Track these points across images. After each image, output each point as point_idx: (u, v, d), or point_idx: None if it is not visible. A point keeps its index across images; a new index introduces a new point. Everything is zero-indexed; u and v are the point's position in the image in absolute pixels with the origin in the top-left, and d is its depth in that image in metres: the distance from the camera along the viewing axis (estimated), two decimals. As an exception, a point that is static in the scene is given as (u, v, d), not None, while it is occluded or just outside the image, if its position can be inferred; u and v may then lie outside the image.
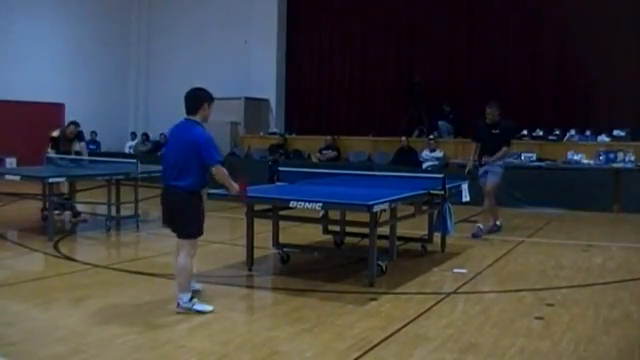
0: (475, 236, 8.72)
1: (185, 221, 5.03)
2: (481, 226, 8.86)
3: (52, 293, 5.66)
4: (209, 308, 5.02)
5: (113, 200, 9.30)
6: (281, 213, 6.75)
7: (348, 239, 7.85)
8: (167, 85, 18.22)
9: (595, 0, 14.21)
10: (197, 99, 5.11)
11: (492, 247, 8.20)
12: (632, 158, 12.33)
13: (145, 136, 18.90)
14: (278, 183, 7.67)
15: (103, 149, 17.49)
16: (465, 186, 7.85)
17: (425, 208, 7.21)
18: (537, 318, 5.03)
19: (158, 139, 17.59)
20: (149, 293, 5.58)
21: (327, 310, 5.18)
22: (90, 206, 10.68)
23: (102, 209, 9.63)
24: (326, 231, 7.91)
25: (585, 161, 12.71)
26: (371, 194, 6.12)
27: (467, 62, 15.95)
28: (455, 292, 5.89)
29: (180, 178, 4.97)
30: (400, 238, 7.09)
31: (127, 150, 18.55)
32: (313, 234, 8.16)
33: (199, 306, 5.00)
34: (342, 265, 6.95)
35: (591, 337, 4.57)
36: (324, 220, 7.46)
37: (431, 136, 14.39)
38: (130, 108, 20.62)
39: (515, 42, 15.42)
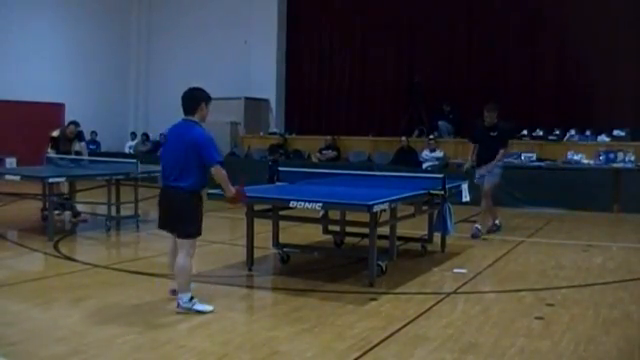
0: (474, 236, 8.72)
1: (185, 221, 5.02)
2: (479, 227, 8.86)
3: (52, 293, 5.66)
4: (209, 308, 5.02)
5: (113, 200, 9.30)
6: (281, 213, 6.75)
7: (348, 239, 7.85)
8: (167, 85, 18.20)
9: (595, 0, 14.22)
10: (194, 99, 5.10)
11: (492, 247, 8.19)
12: (632, 158, 12.33)
13: (145, 136, 18.90)
14: (278, 183, 7.67)
15: (103, 149, 17.49)
16: (465, 186, 7.86)
17: (425, 208, 7.21)
18: (537, 318, 5.03)
19: (158, 139, 17.59)
20: (149, 293, 5.57)
21: (327, 310, 5.18)
22: (90, 206, 10.68)
23: (102, 209, 9.63)
24: (326, 231, 7.91)
25: (585, 161, 12.71)
26: (371, 194, 6.12)
27: (467, 62, 15.95)
28: (455, 292, 5.89)
29: (180, 179, 4.97)
30: (400, 238, 7.09)
31: (127, 150, 18.55)
32: (313, 234, 8.16)
33: (199, 306, 5.00)
34: (342, 265, 6.95)
35: (591, 337, 4.57)
36: (324, 220, 7.46)
37: (431, 136, 14.39)
38: (130, 108, 20.62)
39: (515, 42, 15.42)
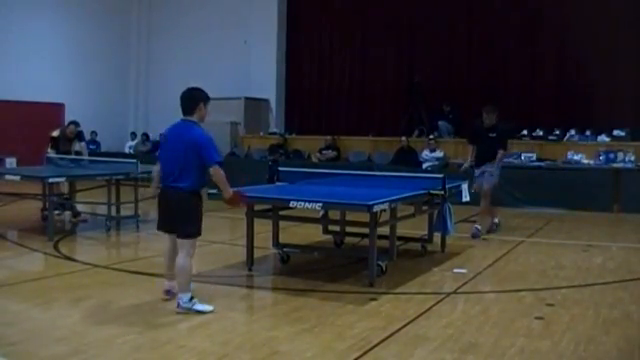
0: (474, 236, 8.72)
1: (185, 221, 5.02)
2: (478, 227, 8.86)
3: (52, 293, 5.66)
4: (209, 308, 5.02)
5: (113, 200, 9.30)
6: (281, 213, 6.75)
7: (348, 239, 7.85)
8: (167, 85, 18.20)
9: (595, 0, 14.22)
10: (193, 99, 5.09)
11: (492, 247, 8.19)
12: (632, 158, 12.33)
13: (145, 136, 18.90)
14: (278, 183, 7.67)
15: (103, 149, 17.49)
16: (465, 186, 7.86)
17: (425, 208, 7.21)
18: (537, 318, 5.03)
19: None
20: (149, 293, 5.57)
21: (327, 310, 5.18)
22: (90, 206, 10.68)
23: (102, 209, 9.62)
24: (326, 231, 7.91)
25: (585, 161, 12.72)
26: (371, 194, 6.12)
27: (467, 62, 15.96)
28: (455, 292, 5.89)
29: (180, 179, 4.97)
30: (400, 238, 7.09)
31: (127, 150, 18.55)
32: (313, 234, 8.16)
33: (199, 306, 5.00)
34: (342, 265, 6.95)
35: (591, 337, 4.57)
36: (324, 220, 7.46)
37: (431, 136, 14.39)
38: (130, 108, 20.62)
39: (515, 42, 15.43)
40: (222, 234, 8.90)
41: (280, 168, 8.44)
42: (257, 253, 6.75)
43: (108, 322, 4.76)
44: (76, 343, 4.28)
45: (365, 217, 5.89)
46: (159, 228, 5.25)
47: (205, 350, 4.20)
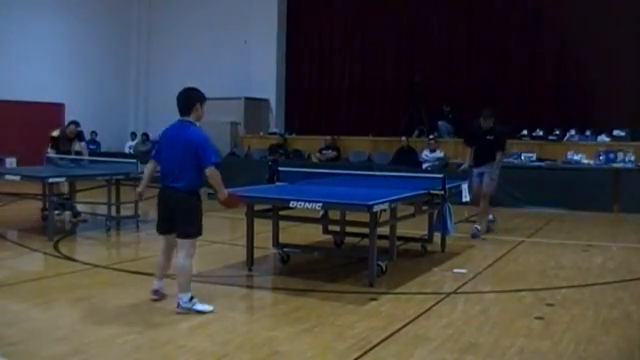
0: (474, 236, 8.72)
1: (185, 221, 5.03)
2: (478, 227, 8.86)
3: (52, 293, 5.66)
4: (209, 308, 5.03)
5: (113, 200, 9.30)
6: (281, 213, 6.75)
7: (348, 239, 7.85)
8: (167, 85, 18.09)
9: (595, 0, 14.22)
10: (189, 99, 5.10)
11: (492, 247, 8.20)
12: (632, 158, 12.33)
13: (145, 136, 18.89)
14: (278, 183, 7.67)
15: (103, 149, 17.48)
16: (465, 186, 7.86)
17: (425, 208, 7.21)
18: (537, 318, 5.03)
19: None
20: (149, 293, 5.56)
21: (327, 310, 5.19)
22: (90, 206, 10.68)
23: (102, 209, 9.62)
24: (326, 231, 7.91)
25: (585, 161, 12.72)
26: (371, 194, 6.12)
27: (467, 62, 15.95)
28: (455, 292, 5.89)
29: (179, 179, 4.98)
30: (400, 238, 7.09)
31: (127, 150, 18.54)
32: (313, 234, 8.16)
33: (199, 306, 5.00)
34: (342, 265, 6.95)
35: (591, 337, 4.57)
36: (324, 220, 7.46)
37: (431, 136, 14.39)
38: (130, 108, 20.62)
39: (515, 42, 15.43)
40: (222, 234, 8.90)
41: (280, 168, 8.43)
42: (257, 253, 6.75)
43: (108, 322, 4.76)
44: (76, 343, 4.28)
45: (365, 217, 5.89)
46: (158, 230, 5.25)
47: (205, 350, 4.20)
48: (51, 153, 10.16)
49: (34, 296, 5.54)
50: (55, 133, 10.22)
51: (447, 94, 15.54)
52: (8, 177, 9.13)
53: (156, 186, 5.21)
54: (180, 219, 5.03)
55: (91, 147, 15.00)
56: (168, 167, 5.05)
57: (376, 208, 5.64)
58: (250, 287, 6.25)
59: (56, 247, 7.73)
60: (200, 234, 5.11)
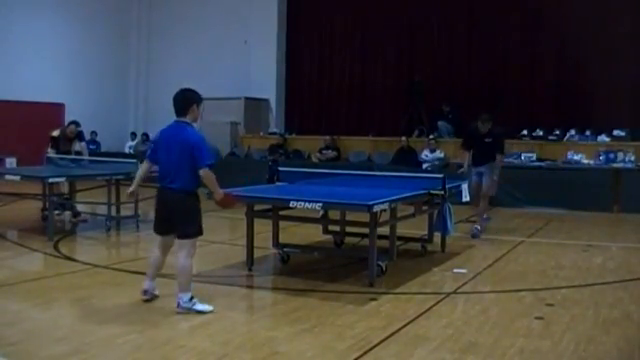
0: (474, 236, 8.72)
1: (184, 221, 5.04)
2: (478, 227, 8.86)
3: (52, 293, 5.67)
4: (209, 308, 5.03)
5: (113, 200, 9.29)
6: (281, 213, 6.75)
7: (348, 239, 7.85)
8: (167, 85, 18.03)
9: (595, 0, 14.22)
10: (186, 100, 5.12)
11: (492, 247, 8.20)
12: (632, 158, 12.34)
13: (145, 136, 18.87)
14: (278, 183, 7.67)
15: (103, 149, 17.48)
16: (465, 186, 7.87)
17: (425, 208, 7.21)
18: (537, 318, 5.03)
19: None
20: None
21: (327, 310, 5.19)
22: (90, 206, 10.68)
23: (102, 209, 9.62)
24: (326, 231, 7.91)
25: (585, 161, 12.73)
26: (371, 194, 6.12)
27: (467, 62, 15.95)
28: (455, 292, 5.89)
29: (176, 180, 5.00)
30: (400, 238, 7.09)
31: (127, 150, 18.53)
32: (313, 234, 8.16)
33: (199, 306, 5.00)
34: (342, 265, 6.95)
35: (591, 337, 4.57)
36: (324, 220, 7.46)
37: (431, 136, 14.39)
38: (130, 108, 20.61)
39: (515, 42, 15.43)
40: (222, 234, 8.90)
41: (280, 168, 8.44)
42: (257, 253, 6.75)
43: (108, 322, 4.76)
44: (76, 343, 4.28)
45: (365, 217, 5.89)
46: (156, 230, 5.26)
47: (205, 350, 4.20)
48: (51, 153, 10.16)
49: (34, 296, 5.54)
50: (55, 133, 10.22)
51: (447, 94, 15.54)
52: (8, 177, 9.13)
53: (154, 186, 5.21)
54: (179, 220, 5.04)
55: (91, 147, 14.99)
56: (165, 168, 5.07)
57: (376, 208, 5.64)
58: (250, 287, 6.25)
59: (56, 247, 7.73)
60: (201, 234, 5.12)
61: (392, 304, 5.42)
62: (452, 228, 7.42)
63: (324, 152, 15.41)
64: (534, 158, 13.11)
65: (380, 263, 6.20)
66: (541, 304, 5.47)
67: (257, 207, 6.67)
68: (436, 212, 7.38)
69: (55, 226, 8.67)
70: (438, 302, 5.50)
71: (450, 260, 7.27)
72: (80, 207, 10.35)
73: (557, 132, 13.60)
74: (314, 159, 15.21)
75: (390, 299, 5.57)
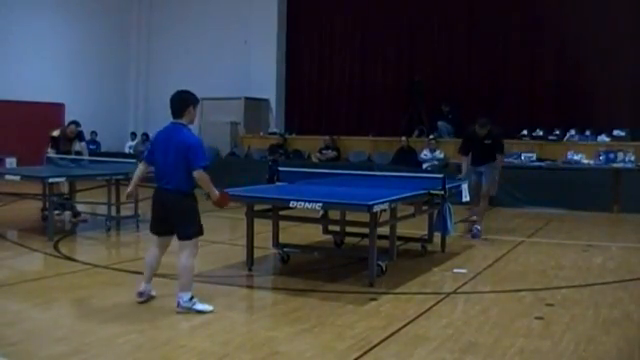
0: (474, 236, 8.72)
1: (183, 222, 5.05)
2: (478, 227, 8.86)
3: (52, 293, 5.67)
4: (209, 308, 5.03)
5: (113, 200, 9.29)
6: (281, 213, 6.75)
7: (348, 239, 7.85)
8: (167, 85, 17.99)
9: (595, 0, 14.22)
10: (182, 102, 5.14)
11: (492, 247, 8.20)
12: (632, 158, 12.34)
13: (145, 136, 18.85)
14: (278, 183, 7.67)
15: (103, 149, 17.47)
16: (465, 186, 7.88)
17: (425, 208, 7.21)
18: (537, 318, 5.03)
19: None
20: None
21: (327, 310, 5.19)
22: (90, 206, 10.68)
23: (102, 209, 9.62)
24: (326, 231, 7.92)
25: (585, 161, 12.72)
26: (371, 194, 6.12)
27: (467, 62, 15.95)
28: (455, 292, 5.89)
29: (172, 181, 5.02)
30: (400, 238, 7.09)
31: (127, 150, 18.53)
32: (313, 234, 8.16)
33: (199, 306, 5.01)
34: (342, 265, 6.95)
35: (591, 337, 4.57)
36: (324, 220, 7.46)
37: (431, 136, 14.39)
38: (130, 108, 20.61)
39: (515, 42, 15.43)
40: (222, 234, 8.90)
41: (280, 168, 8.44)
42: (257, 253, 6.75)
43: (108, 322, 4.76)
44: (76, 343, 4.28)
45: (365, 217, 5.89)
46: (152, 230, 5.27)
47: (205, 350, 4.20)
48: (51, 153, 10.16)
49: (34, 296, 5.54)
50: (55, 133, 10.22)
51: (447, 94, 15.54)
52: (8, 177, 9.12)
53: (153, 186, 5.22)
54: (178, 221, 5.05)
55: (91, 147, 14.98)
56: (161, 169, 5.10)
57: (376, 208, 5.64)
58: (250, 287, 6.25)
59: (56, 247, 7.73)
60: (201, 234, 5.13)
61: (392, 304, 5.42)
62: (452, 228, 7.42)
63: (324, 152, 15.41)
64: (534, 158, 13.10)
65: (380, 263, 6.20)
66: (541, 304, 5.47)
67: (257, 207, 6.67)
68: (436, 212, 7.38)
69: (55, 226, 8.67)
70: (438, 302, 5.50)
71: (450, 260, 7.27)
72: (80, 207, 10.35)
73: (557, 132, 13.60)
74: (314, 159, 15.21)
75: (390, 299, 5.57)
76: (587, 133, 13.41)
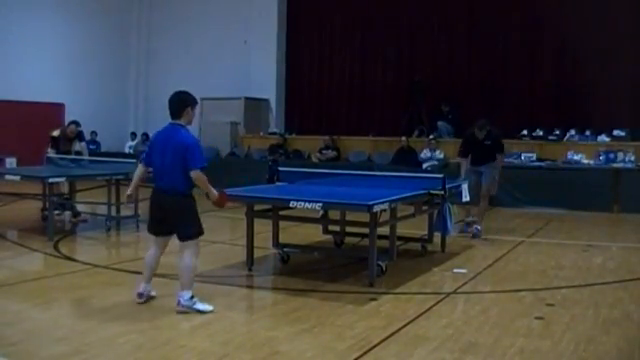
0: (474, 236, 8.72)
1: (183, 223, 5.06)
2: (479, 227, 8.85)
3: (52, 293, 5.67)
4: (209, 308, 5.03)
5: (113, 200, 9.29)
6: (281, 213, 6.75)
7: (348, 239, 7.85)
8: (167, 85, 18.00)
9: (595, 1, 14.22)
10: (180, 103, 5.15)
11: (492, 247, 8.20)
12: (632, 158, 12.33)
13: (145, 136, 18.84)
14: (278, 183, 7.67)
15: (103, 149, 17.47)
16: (465, 186, 7.87)
17: (425, 208, 7.21)
18: (537, 318, 5.03)
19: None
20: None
21: (327, 310, 5.19)
22: (90, 206, 10.68)
23: (102, 209, 9.62)
24: (326, 231, 7.92)
25: (585, 161, 12.72)
26: (371, 194, 6.12)
27: (467, 62, 15.95)
28: (455, 292, 5.89)
29: (170, 182, 5.02)
30: (400, 238, 7.09)
31: (127, 150, 18.53)
32: (313, 234, 8.16)
33: (199, 305, 5.01)
34: (342, 265, 6.95)
35: (591, 337, 4.57)
36: (324, 220, 7.46)
37: (431, 136, 14.39)
38: (130, 108, 20.61)
39: (515, 42, 15.43)
40: (222, 234, 8.90)
41: (280, 168, 8.44)
42: (257, 253, 6.75)
43: (108, 322, 4.76)
44: (76, 343, 4.28)
45: (365, 217, 5.89)
46: (150, 230, 5.27)
47: (205, 350, 4.20)
48: (51, 153, 10.16)
49: (34, 296, 5.54)
50: (55, 133, 10.22)
51: (447, 94, 15.54)
52: (8, 177, 9.13)
53: (150, 186, 5.23)
54: (177, 222, 5.06)
55: (91, 147, 14.98)
56: (159, 170, 5.11)
57: (376, 208, 5.64)
58: (250, 287, 6.25)
59: (56, 247, 7.73)
60: (201, 234, 5.13)
61: (392, 304, 5.42)
62: (452, 228, 7.42)
63: (324, 152, 15.41)
64: (534, 158, 13.10)
65: (380, 263, 6.20)
66: (541, 304, 5.47)
67: (257, 207, 6.67)
68: (436, 212, 7.38)
69: (55, 226, 8.67)
70: (438, 302, 5.50)
71: (450, 260, 7.27)
72: (80, 207, 10.35)
73: (557, 132, 13.60)
74: (314, 159, 15.21)
75: (390, 299, 5.57)
76: (587, 133, 13.41)
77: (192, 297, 5.02)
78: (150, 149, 5.30)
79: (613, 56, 13.89)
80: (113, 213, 9.32)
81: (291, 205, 6.04)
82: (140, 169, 5.44)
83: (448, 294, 5.81)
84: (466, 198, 7.90)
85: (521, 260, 7.46)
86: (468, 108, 14.56)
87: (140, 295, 5.25)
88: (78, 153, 10.60)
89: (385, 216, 6.25)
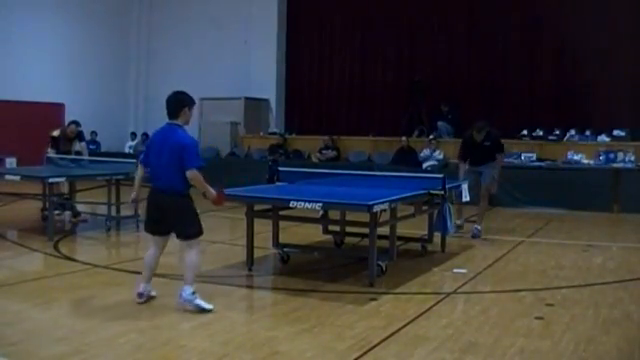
0: (474, 236, 8.72)
1: (183, 223, 5.07)
2: (478, 227, 8.85)
3: (52, 293, 5.66)
4: (209, 306, 5.04)
5: (113, 200, 9.30)
6: (281, 213, 6.75)
7: (348, 239, 7.85)
8: (167, 85, 18.01)
9: (595, 1, 14.22)
10: (178, 103, 5.16)
11: (492, 247, 8.20)
12: (632, 158, 12.33)
13: (145, 136, 18.81)
14: (278, 183, 7.67)
15: (103, 149, 17.47)
16: (465, 186, 7.88)
17: (425, 208, 7.21)
18: (537, 318, 5.03)
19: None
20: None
21: (327, 310, 5.19)
22: (90, 206, 10.68)
23: (102, 209, 9.62)
24: (326, 231, 7.92)
25: (585, 161, 12.72)
26: (371, 194, 6.13)
27: (467, 62, 15.95)
28: (455, 292, 5.89)
29: (167, 182, 5.04)
30: (400, 238, 7.09)
31: (127, 150, 18.53)
32: (313, 234, 8.16)
33: (200, 301, 5.02)
34: (342, 265, 6.95)
35: (591, 337, 4.57)
36: (324, 220, 7.46)
37: (431, 136, 14.39)
38: (130, 108, 20.60)
39: (515, 42, 15.43)
40: (222, 234, 8.90)
41: (280, 168, 8.44)
42: (257, 253, 6.75)
43: (108, 322, 4.76)
44: (76, 343, 4.28)
45: (365, 217, 5.89)
46: (147, 230, 5.28)
47: (205, 350, 4.20)
48: (51, 153, 10.16)
49: (34, 296, 5.54)
50: (55, 133, 10.22)
51: (447, 94, 15.54)
52: (8, 177, 9.13)
53: (149, 186, 5.23)
54: (176, 222, 5.07)
55: (91, 147, 14.98)
56: (156, 170, 5.13)
57: (376, 208, 5.65)
58: (250, 287, 6.25)
59: (56, 247, 7.73)
60: (201, 233, 5.14)
61: (392, 304, 5.42)
62: (452, 228, 7.42)
63: (324, 152, 15.41)
64: (534, 158, 13.10)
65: (380, 263, 6.20)
66: (541, 304, 5.47)
67: (257, 207, 6.67)
68: (436, 212, 7.38)
69: (55, 226, 8.67)
70: (438, 302, 5.50)
71: (450, 260, 7.27)
72: (80, 207, 10.35)
73: (557, 132, 13.60)
74: (314, 159, 15.21)
75: (390, 299, 5.57)
76: (587, 133, 13.41)
77: (193, 292, 5.03)
78: (147, 149, 5.31)
79: (613, 56, 13.89)
80: (113, 213, 9.32)
81: (291, 205, 6.04)
82: (139, 171, 5.45)
83: (448, 294, 5.81)
84: (466, 198, 7.90)
85: (521, 260, 7.46)
86: (468, 108, 14.56)
87: (140, 295, 5.25)
88: (78, 153, 10.60)
89: (385, 216, 6.25)
